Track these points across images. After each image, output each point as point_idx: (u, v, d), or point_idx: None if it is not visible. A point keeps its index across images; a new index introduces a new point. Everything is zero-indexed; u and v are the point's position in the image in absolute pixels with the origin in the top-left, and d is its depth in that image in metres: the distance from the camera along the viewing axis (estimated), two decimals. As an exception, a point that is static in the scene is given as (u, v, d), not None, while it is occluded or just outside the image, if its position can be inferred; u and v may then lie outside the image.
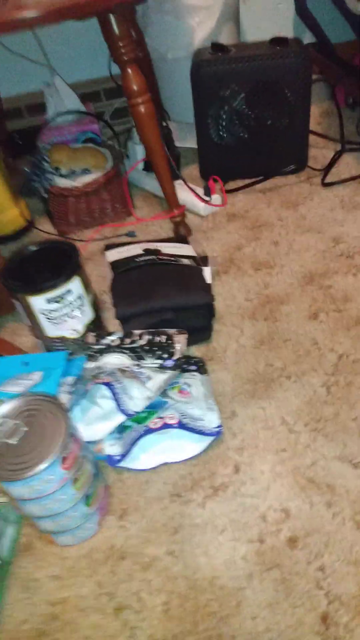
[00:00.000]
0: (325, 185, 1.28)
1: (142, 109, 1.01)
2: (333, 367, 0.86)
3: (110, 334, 0.89)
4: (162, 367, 0.84)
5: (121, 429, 0.77)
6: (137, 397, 0.75)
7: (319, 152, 1.39)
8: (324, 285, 1.01)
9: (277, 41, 1.18)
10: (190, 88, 1.21)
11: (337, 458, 0.74)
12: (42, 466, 0.60)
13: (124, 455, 0.75)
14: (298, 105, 1.21)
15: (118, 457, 0.75)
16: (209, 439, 0.76)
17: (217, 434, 0.76)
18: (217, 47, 1.20)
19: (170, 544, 0.68)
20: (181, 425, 0.74)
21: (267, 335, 0.93)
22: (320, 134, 1.41)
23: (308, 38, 1.65)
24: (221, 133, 1.27)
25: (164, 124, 1.29)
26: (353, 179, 1.28)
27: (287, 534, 0.67)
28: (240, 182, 1.34)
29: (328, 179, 1.30)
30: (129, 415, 0.74)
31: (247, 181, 1.32)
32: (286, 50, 1.15)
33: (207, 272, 0.99)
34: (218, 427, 0.77)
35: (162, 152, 1.08)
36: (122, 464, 0.75)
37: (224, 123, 1.25)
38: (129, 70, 0.98)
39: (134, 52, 0.96)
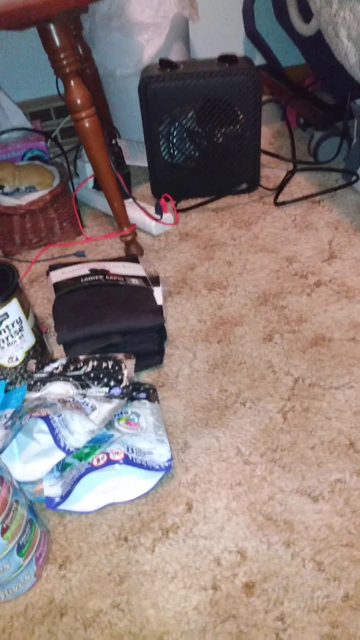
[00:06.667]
0: (278, 204, 1.27)
1: (86, 123, 0.96)
2: (289, 392, 0.82)
3: (53, 360, 0.83)
4: (109, 396, 0.77)
5: (62, 466, 0.70)
6: (79, 431, 0.69)
7: (272, 171, 1.38)
8: (278, 306, 0.98)
9: (226, 59, 1.16)
10: (139, 105, 1.18)
11: (296, 491, 0.69)
12: None
13: (65, 497, 0.67)
14: (249, 124, 1.20)
15: (58, 499, 0.68)
16: (158, 475, 0.70)
17: (168, 469, 0.70)
18: (165, 63, 1.17)
19: (116, 595, 0.61)
20: (127, 461, 0.68)
21: (220, 359, 0.89)
22: (272, 154, 1.40)
23: (258, 60, 1.66)
24: (172, 151, 1.24)
25: (114, 141, 1.24)
26: (305, 198, 1.26)
27: (243, 579, 0.61)
28: (192, 202, 1.30)
29: (280, 199, 1.28)
30: (68, 453, 0.67)
31: (200, 200, 1.29)
32: (235, 67, 1.14)
33: (158, 293, 0.94)
34: (168, 461, 0.71)
35: (109, 168, 1.03)
36: (63, 507, 0.68)
37: (174, 141, 1.22)
38: (72, 83, 0.93)
39: (76, 64, 0.92)
